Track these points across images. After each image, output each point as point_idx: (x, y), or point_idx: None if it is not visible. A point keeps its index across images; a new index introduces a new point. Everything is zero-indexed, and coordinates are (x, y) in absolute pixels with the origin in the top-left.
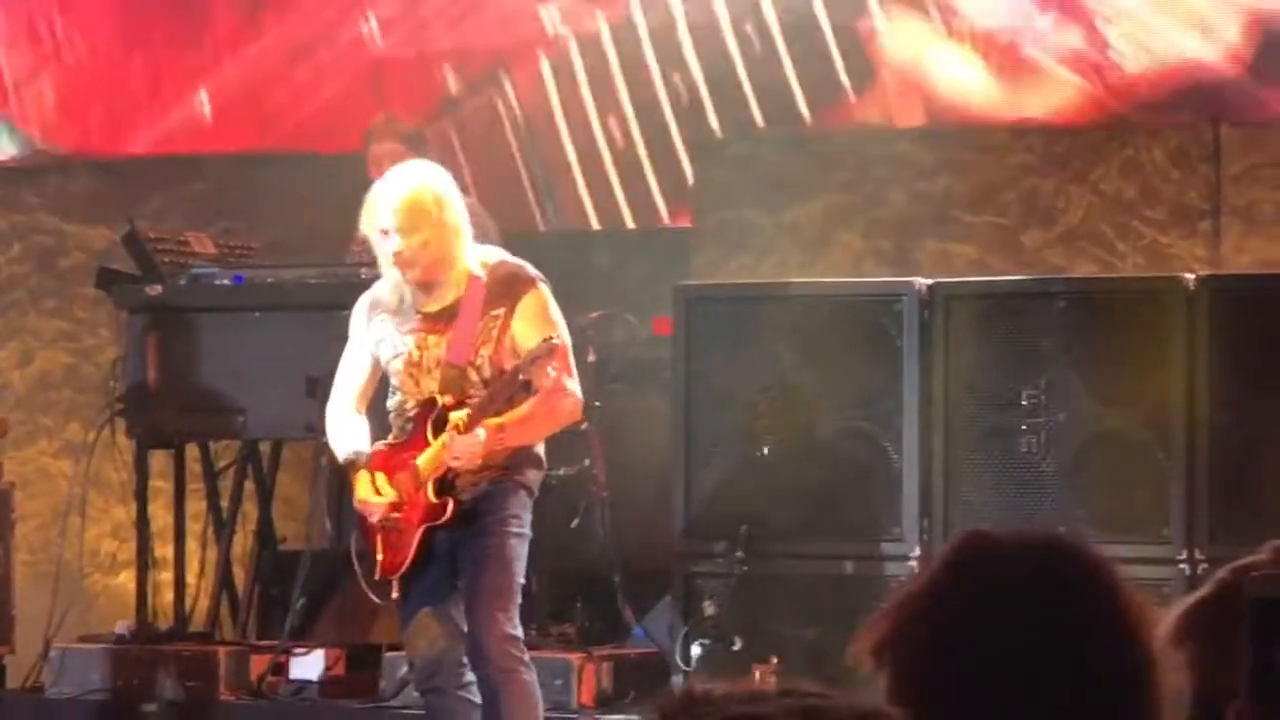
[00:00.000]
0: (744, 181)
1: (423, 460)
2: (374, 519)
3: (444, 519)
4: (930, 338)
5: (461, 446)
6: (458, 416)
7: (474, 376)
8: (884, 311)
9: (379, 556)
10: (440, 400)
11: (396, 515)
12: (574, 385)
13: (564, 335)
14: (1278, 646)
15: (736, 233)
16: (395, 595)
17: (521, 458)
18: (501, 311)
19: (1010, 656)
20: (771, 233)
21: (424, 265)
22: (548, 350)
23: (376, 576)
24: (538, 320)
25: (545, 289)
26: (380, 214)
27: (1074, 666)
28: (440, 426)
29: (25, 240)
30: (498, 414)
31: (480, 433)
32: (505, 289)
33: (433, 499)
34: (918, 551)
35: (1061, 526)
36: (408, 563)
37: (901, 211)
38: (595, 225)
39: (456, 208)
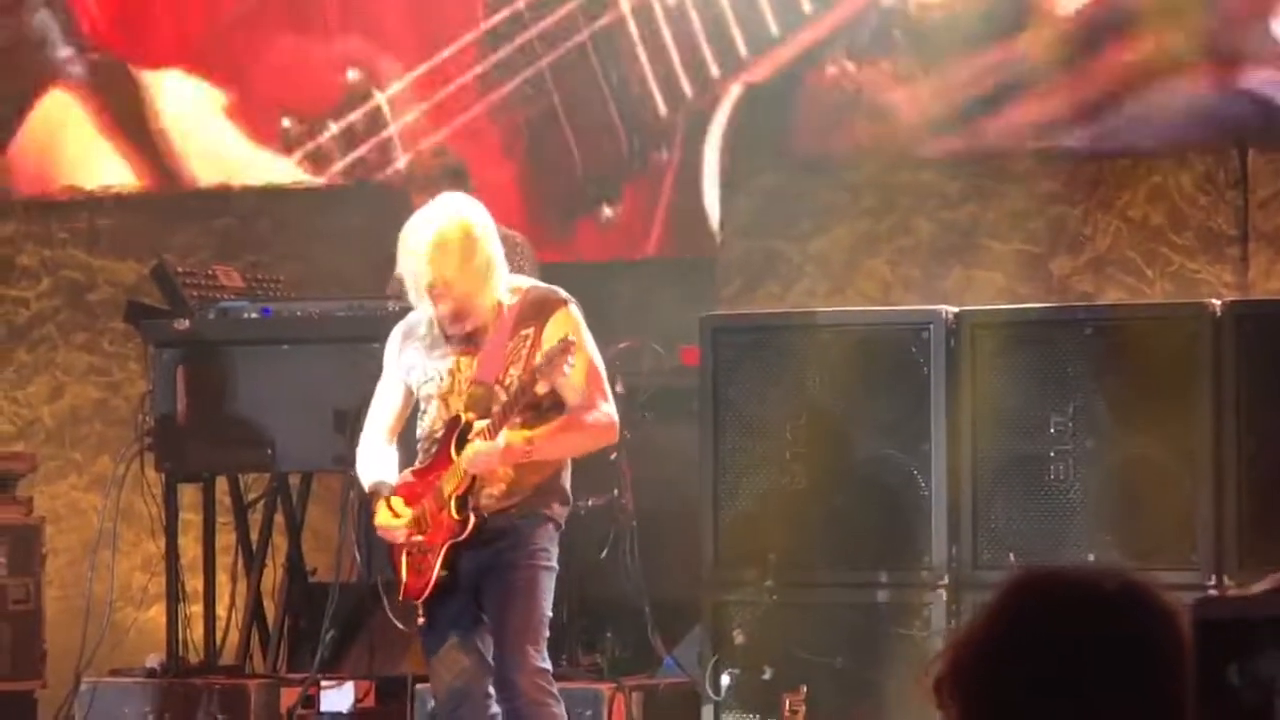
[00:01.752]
0: (771, 210)
1: (445, 479)
2: (396, 542)
3: (464, 534)
4: (958, 365)
5: (479, 451)
6: (481, 425)
7: (502, 395)
8: (912, 340)
9: (403, 581)
10: (465, 417)
11: (420, 539)
12: (608, 406)
13: (597, 356)
14: (1225, 667)
15: (763, 261)
16: (421, 621)
17: (548, 491)
18: (531, 330)
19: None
20: (798, 261)
21: (456, 299)
22: (563, 348)
23: (400, 599)
24: (569, 334)
25: (576, 310)
26: (414, 250)
27: (1130, 702)
28: (463, 443)
29: (54, 275)
30: (525, 425)
31: (501, 439)
32: (536, 310)
33: (454, 516)
34: (946, 579)
35: (1092, 554)
36: (430, 585)
37: (929, 239)
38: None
39: (488, 241)
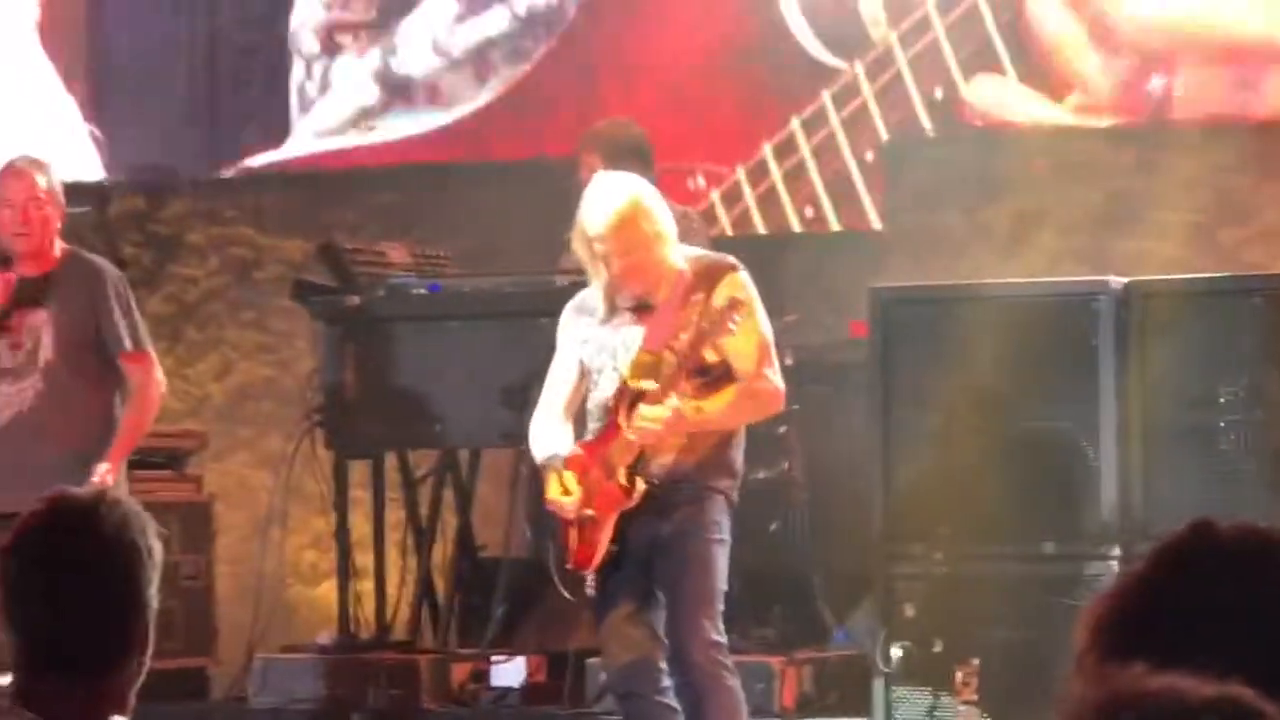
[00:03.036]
0: (937, 182)
1: (614, 449)
2: (566, 517)
3: (631, 501)
4: (1127, 337)
5: (646, 417)
6: (649, 389)
7: (671, 361)
8: (1080, 311)
9: (571, 550)
10: (633, 385)
11: (589, 512)
12: (775, 375)
13: (766, 325)
14: None
15: (930, 234)
16: (591, 591)
17: (719, 464)
18: (701, 296)
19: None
20: (965, 234)
21: (634, 276)
22: (730, 305)
23: (569, 568)
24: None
25: (745, 276)
26: (589, 231)
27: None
28: (633, 410)
29: (222, 253)
30: (695, 396)
31: (668, 405)
32: (705, 277)
33: (622, 484)
34: (1117, 551)
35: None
36: (598, 555)
37: (1096, 210)
38: (796, 228)
39: (660, 216)
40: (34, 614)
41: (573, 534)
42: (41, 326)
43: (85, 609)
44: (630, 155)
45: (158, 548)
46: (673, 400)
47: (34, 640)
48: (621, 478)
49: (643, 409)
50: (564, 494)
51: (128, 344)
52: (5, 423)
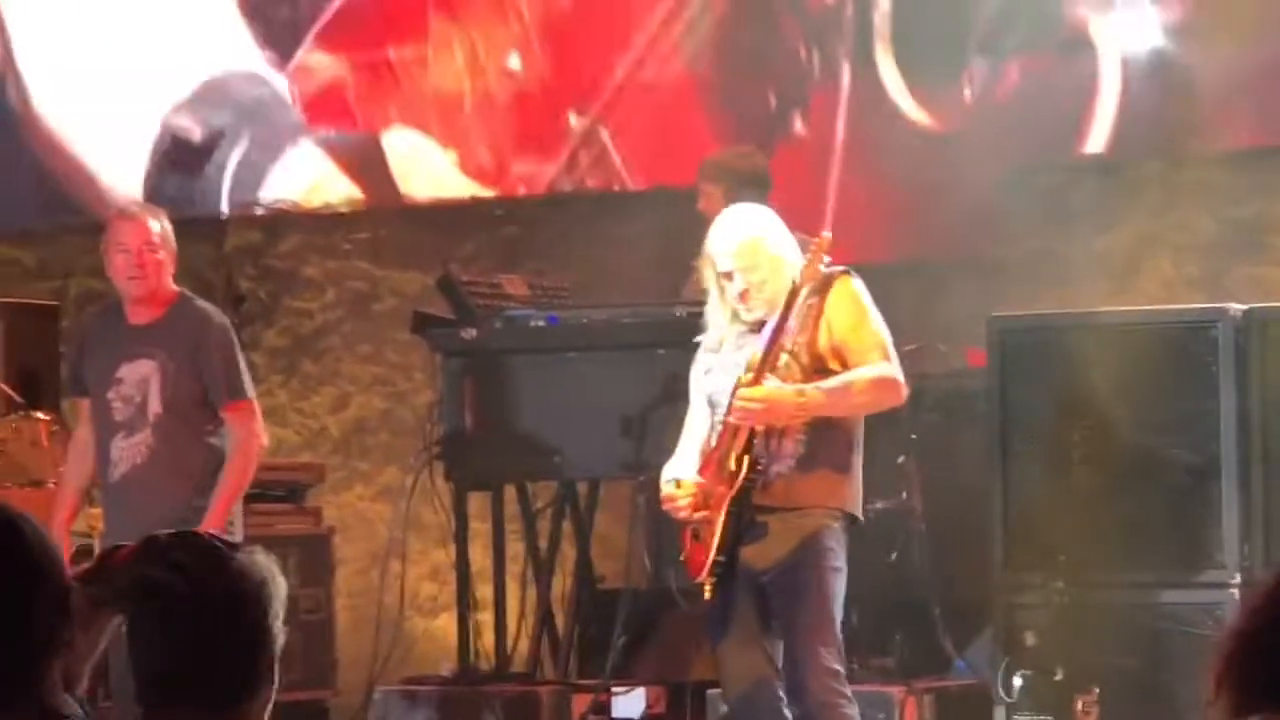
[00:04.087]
0: (1051, 211)
1: (724, 445)
2: (679, 515)
3: (739, 483)
4: (1246, 363)
5: (743, 396)
6: (746, 378)
7: (789, 360)
8: (1199, 338)
9: (688, 556)
10: (741, 379)
11: (701, 514)
12: (890, 364)
13: (880, 322)
14: None
15: (1046, 262)
16: (708, 596)
17: (836, 493)
18: (815, 300)
19: None
20: (1081, 262)
21: (757, 297)
22: (819, 244)
23: (691, 577)
24: (851, 302)
25: (858, 281)
26: (719, 261)
27: None
28: None
29: (339, 286)
30: (806, 379)
31: (767, 383)
32: (821, 285)
33: (731, 468)
34: (1238, 579)
35: None
36: (713, 553)
37: (1212, 237)
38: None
39: (783, 240)
40: (161, 652)
41: (689, 541)
42: (149, 377)
43: (212, 646)
44: (749, 183)
45: (282, 583)
46: (771, 379)
47: (161, 676)
48: (731, 463)
49: (740, 391)
50: (675, 488)
51: (228, 395)
52: (119, 478)
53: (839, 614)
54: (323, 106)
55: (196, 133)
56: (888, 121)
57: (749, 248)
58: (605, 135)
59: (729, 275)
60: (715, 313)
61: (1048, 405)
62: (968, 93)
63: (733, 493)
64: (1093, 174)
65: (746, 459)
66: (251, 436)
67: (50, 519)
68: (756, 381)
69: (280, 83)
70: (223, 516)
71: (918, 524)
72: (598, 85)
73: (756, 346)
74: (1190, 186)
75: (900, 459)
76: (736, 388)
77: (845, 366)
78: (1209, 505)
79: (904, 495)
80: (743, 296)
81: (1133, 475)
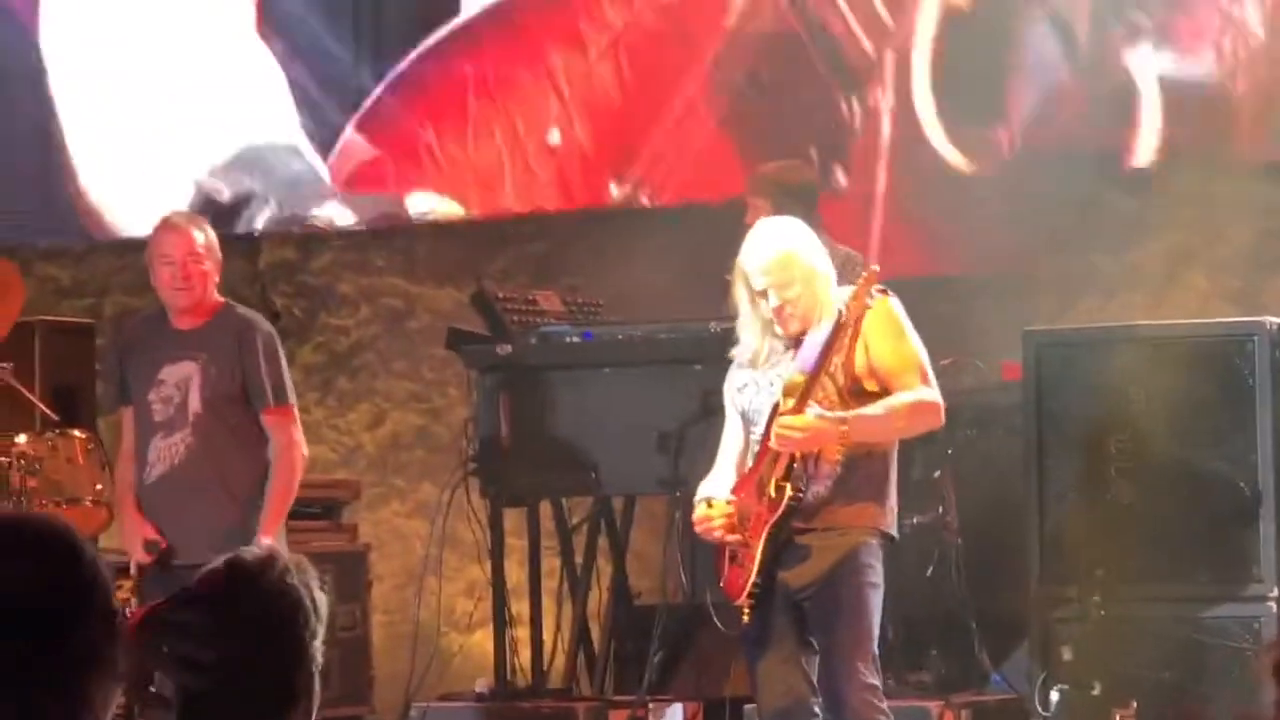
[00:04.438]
0: (1088, 224)
1: (764, 468)
2: (711, 536)
3: (780, 510)
4: None
5: (784, 423)
6: (789, 404)
7: (826, 383)
8: (1235, 351)
9: (724, 578)
10: (783, 404)
11: (736, 536)
12: (929, 388)
13: (918, 344)
14: None
15: (1080, 275)
16: (745, 619)
17: (872, 510)
18: (853, 321)
19: None
20: (1115, 274)
21: (801, 315)
22: (868, 278)
23: (729, 599)
24: (889, 322)
25: (896, 301)
26: (754, 279)
27: None
28: None
29: (373, 303)
30: (841, 400)
31: (809, 411)
32: (859, 305)
33: (771, 495)
34: (1276, 591)
35: None
36: (752, 575)
37: (1247, 249)
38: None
39: (819, 256)
40: (203, 670)
41: (725, 563)
42: (191, 376)
43: (254, 665)
44: (796, 198)
45: (323, 601)
46: (814, 408)
47: (202, 694)
48: (771, 490)
49: (782, 417)
50: (707, 505)
51: (269, 399)
52: (159, 477)
53: (876, 630)
54: (358, 180)
55: (225, 194)
56: (930, 168)
57: (781, 263)
58: (645, 199)
59: (763, 293)
60: (746, 328)
61: (1083, 419)
62: (1006, 137)
63: (774, 519)
64: (1129, 187)
65: (787, 486)
66: (292, 444)
67: (97, 534)
68: (799, 409)
69: (317, 160)
70: (272, 530)
71: (954, 538)
72: (636, 152)
73: (793, 366)
74: (1226, 200)
75: (936, 473)
76: (776, 410)
77: (882, 387)
78: (1246, 519)
79: (940, 510)
80: (778, 313)
81: (1169, 489)
